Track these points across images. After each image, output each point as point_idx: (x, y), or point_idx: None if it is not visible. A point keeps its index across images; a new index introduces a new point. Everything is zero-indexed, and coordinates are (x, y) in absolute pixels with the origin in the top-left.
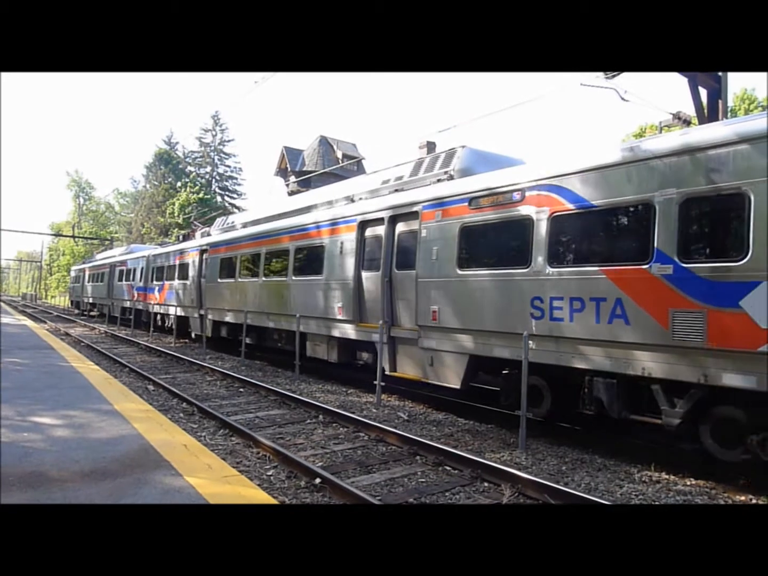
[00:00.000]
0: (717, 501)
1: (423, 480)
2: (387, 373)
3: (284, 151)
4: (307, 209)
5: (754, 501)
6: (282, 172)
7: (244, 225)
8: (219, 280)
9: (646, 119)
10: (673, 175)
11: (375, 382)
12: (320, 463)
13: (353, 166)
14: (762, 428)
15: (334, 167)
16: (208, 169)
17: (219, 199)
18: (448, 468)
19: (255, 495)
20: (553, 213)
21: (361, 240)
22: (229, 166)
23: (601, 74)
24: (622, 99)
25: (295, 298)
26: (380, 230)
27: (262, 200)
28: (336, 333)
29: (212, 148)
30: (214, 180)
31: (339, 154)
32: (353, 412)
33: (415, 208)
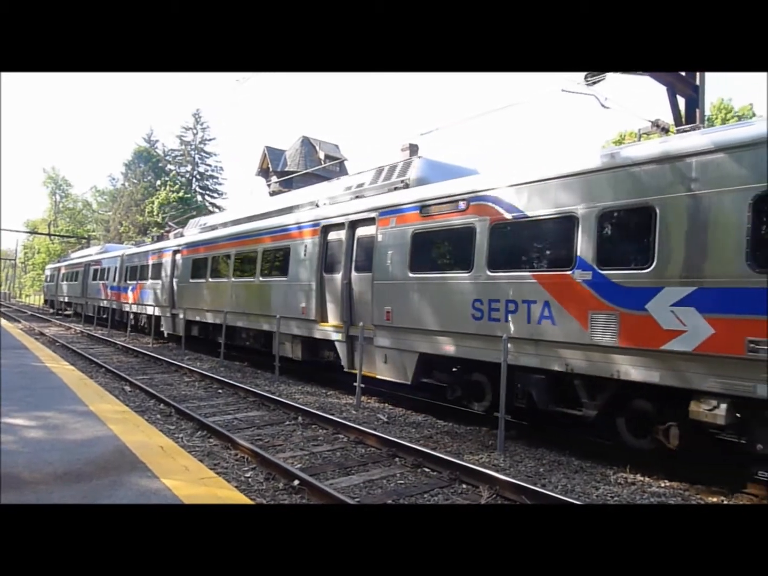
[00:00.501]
0: (689, 502)
1: (402, 482)
2: (345, 370)
3: (266, 150)
4: (276, 213)
5: (725, 502)
6: (264, 172)
7: (215, 227)
8: (191, 280)
9: (626, 126)
10: (593, 191)
11: (355, 384)
12: (299, 465)
13: (336, 167)
14: (666, 419)
15: (316, 168)
16: (189, 167)
17: (199, 198)
18: (427, 470)
19: (232, 497)
20: (492, 222)
21: (323, 244)
22: (209, 165)
23: (589, 78)
24: (603, 105)
25: (262, 298)
26: (341, 235)
27: (240, 201)
28: (299, 332)
29: (193, 146)
30: (194, 179)
31: (321, 155)
32: (333, 414)
33: (372, 215)
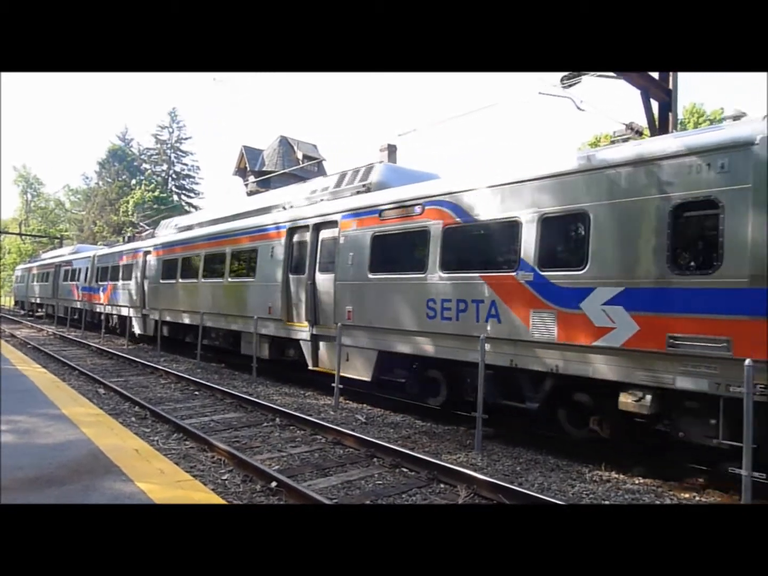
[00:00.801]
0: (663, 499)
1: (380, 482)
2: (310, 368)
3: (243, 150)
4: (243, 215)
5: (697, 498)
6: (241, 171)
7: (191, 227)
8: (161, 281)
9: (603, 128)
10: (535, 197)
11: (333, 385)
12: (276, 467)
13: (314, 167)
14: (600, 411)
15: (294, 168)
16: (165, 166)
17: (176, 197)
18: (405, 470)
19: (208, 499)
20: (445, 225)
21: (289, 245)
22: (186, 165)
23: (565, 81)
24: (578, 108)
25: (230, 298)
26: (306, 237)
27: (217, 201)
28: (267, 331)
29: (169, 145)
30: (170, 178)
31: (299, 155)
32: (311, 415)
33: (335, 218)
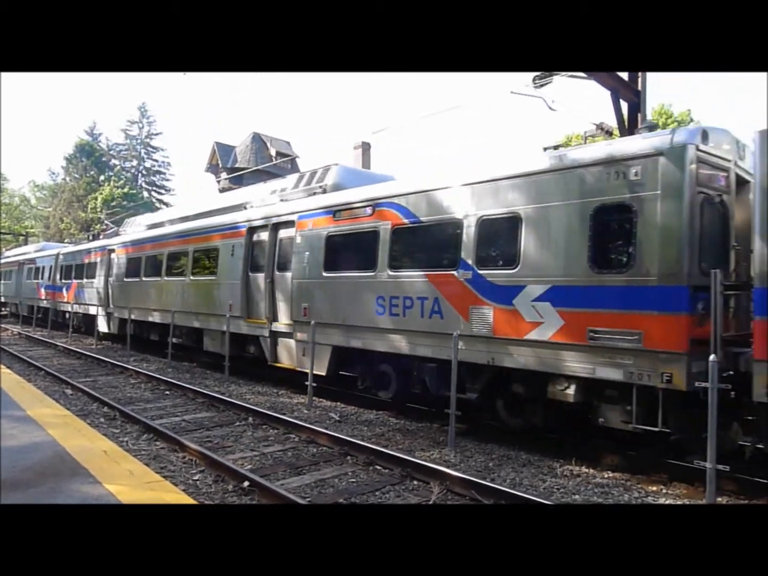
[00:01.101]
0: (631, 492)
1: (353, 480)
2: (269, 363)
3: (215, 146)
4: (205, 214)
5: (664, 490)
6: (213, 168)
7: (162, 224)
8: (125, 279)
9: (576, 128)
10: (474, 200)
11: (307, 383)
12: (249, 466)
13: (287, 164)
14: (533, 400)
15: (267, 165)
16: (134, 162)
17: (146, 194)
18: (378, 467)
19: (179, 500)
20: (393, 226)
21: (249, 244)
22: (156, 161)
23: (537, 81)
24: (550, 108)
25: (192, 296)
26: (265, 236)
27: (189, 198)
28: (227, 328)
29: (139, 141)
30: (140, 174)
31: (272, 152)
32: (284, 414)
33: (292, 218)
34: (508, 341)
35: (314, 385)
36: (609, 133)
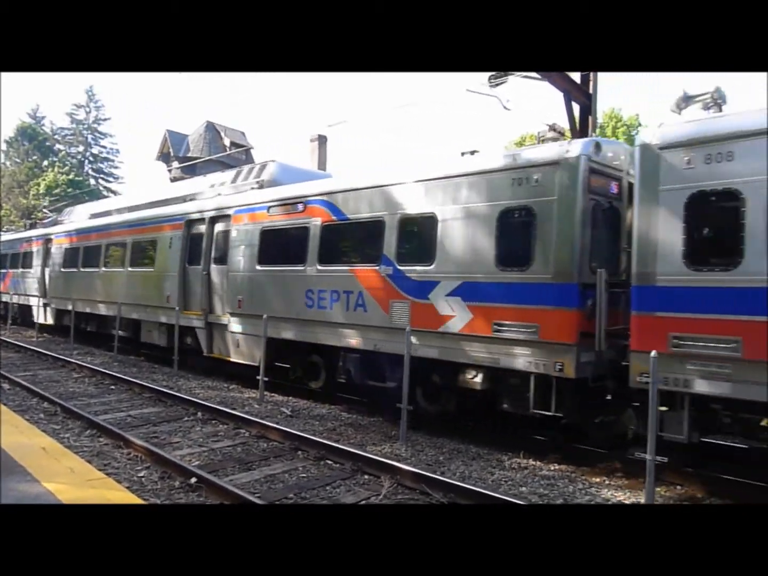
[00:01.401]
0: (576, 483)
1: (304, 475)
2: (204, 354)
3: (167, 134)
4: (145, 206)
5: (606, 482)
6: (164, 156)
7: (94, 216)
8: (63, 269)
9: (529, 128)
10: (396, 200)
11: (258, 377)
12: (197, 462)
13: (241, 154)
14: (447, 388)
15: (221, 155)
16: (81, 148)
17: (93, 181)
18: (329, 462)
19: (123, 498)
20: (323, 222)
21: (187, 237)
22: (104, 147)
23: (492, 81)
24: (505, 107)
25: (130, 288)
26: (202, 229)
27: (139, 186)
28: (165, 320)
29: (86, 126)
30: (87, 161)
31: (227, 142)
32: (234, 409)
33: (228, 212)
34: (425, 333)
35: (266, 379)
36: (561, 134)
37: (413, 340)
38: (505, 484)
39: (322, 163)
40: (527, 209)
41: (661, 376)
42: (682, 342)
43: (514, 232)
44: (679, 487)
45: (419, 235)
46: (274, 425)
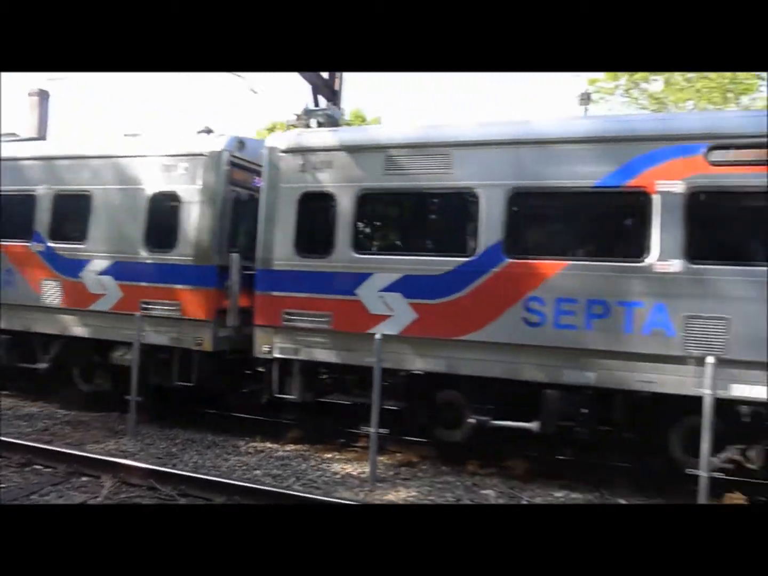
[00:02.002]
0: (309, 461)
1: (3, 485)
2: None
3: None
4: None
5: (337, 456)
6: None
7: None
8: None
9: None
10: (52, 174)
11: None
12: None
13: None
14: (103, 366)
15: None
16: None
17: None
18: (38, 467)
19: None
20: None
21: None
22: None
23: None
24: (253, 91)
25: None
26: None
27: None
28: None
29: None
30: None
31: None
32: None
33: None
34: (75, 312)
35: None
36: (308, 125)
37: (65, 319)
38: (239, 470)
39: (43, 123)
40: (175, 195)
41: (278, 347)
42: (291, 317)
43: (163, 215)
44: (398, 455)
45: (74, 213)
46: None
